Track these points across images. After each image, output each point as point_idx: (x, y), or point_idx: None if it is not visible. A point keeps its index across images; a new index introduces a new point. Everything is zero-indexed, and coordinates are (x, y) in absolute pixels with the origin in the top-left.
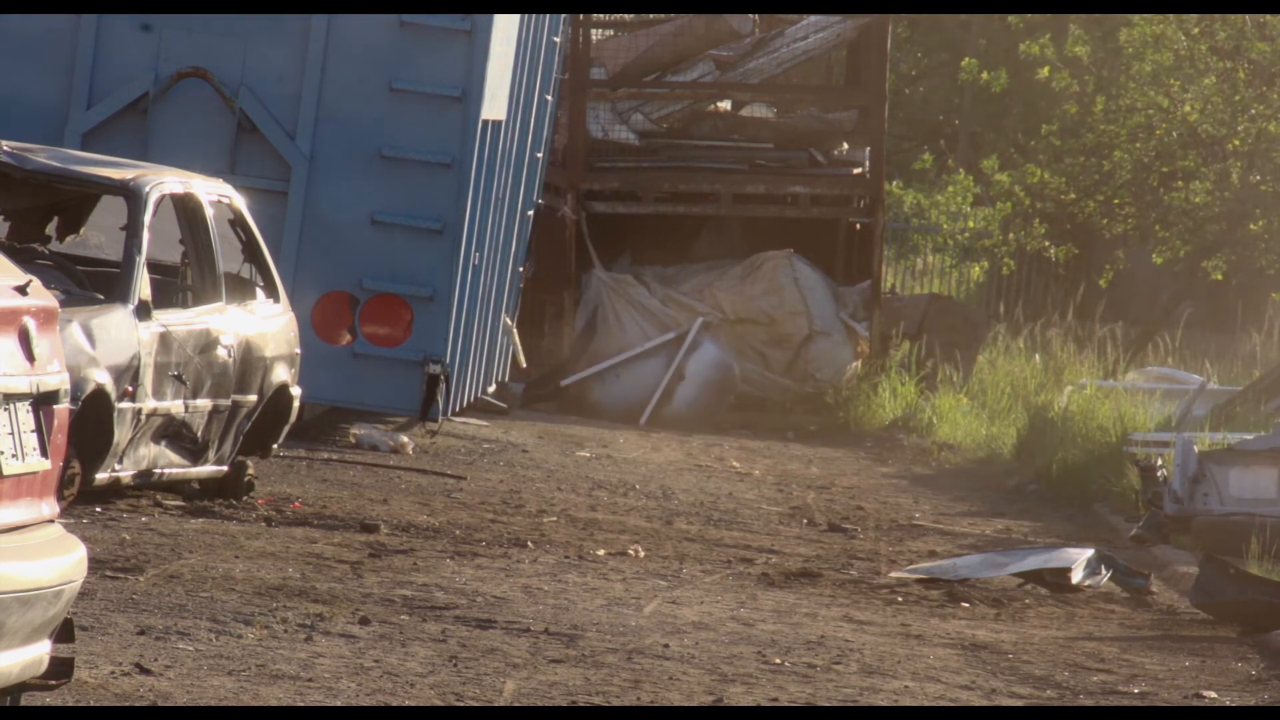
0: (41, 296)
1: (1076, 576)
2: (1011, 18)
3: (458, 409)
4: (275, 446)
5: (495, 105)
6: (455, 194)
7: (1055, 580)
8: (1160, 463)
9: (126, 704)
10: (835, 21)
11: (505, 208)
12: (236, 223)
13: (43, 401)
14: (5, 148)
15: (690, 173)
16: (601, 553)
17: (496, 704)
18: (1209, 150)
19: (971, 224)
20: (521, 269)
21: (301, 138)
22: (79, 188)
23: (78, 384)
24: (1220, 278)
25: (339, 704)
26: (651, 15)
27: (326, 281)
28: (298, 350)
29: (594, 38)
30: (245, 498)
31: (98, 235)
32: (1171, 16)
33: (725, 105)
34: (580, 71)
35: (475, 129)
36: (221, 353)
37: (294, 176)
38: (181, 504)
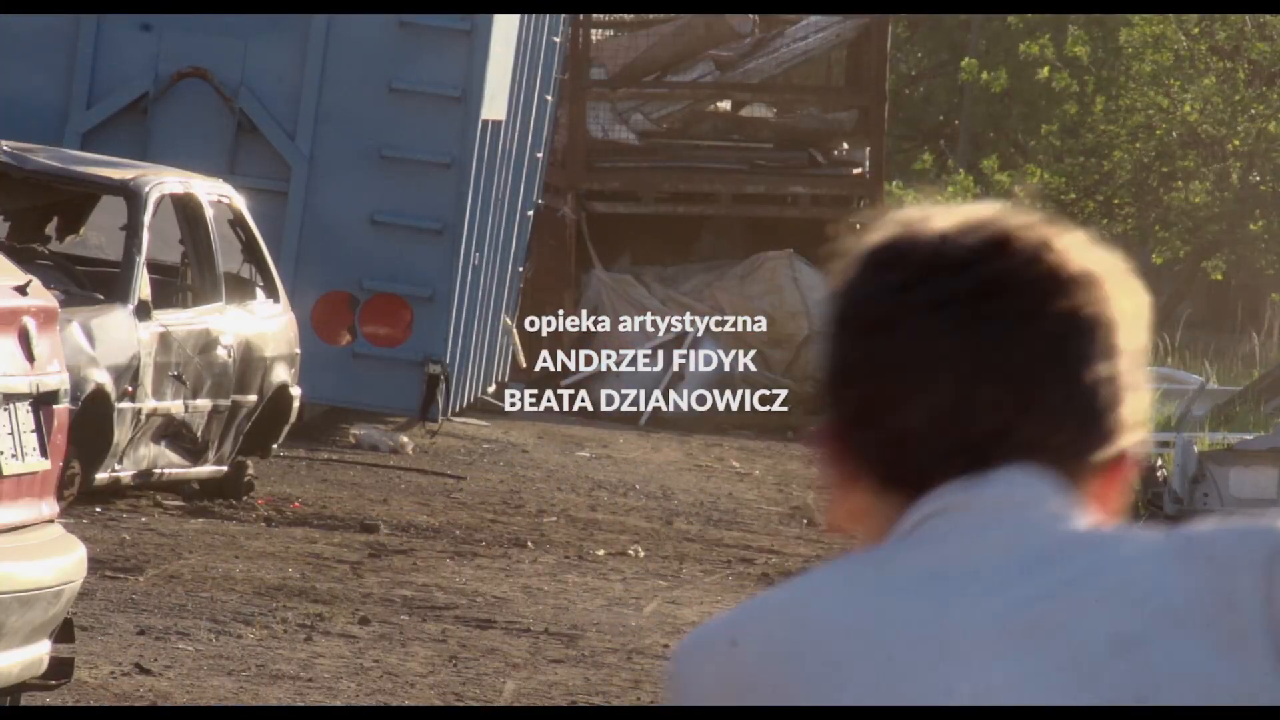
0: (41, 296)
1: None
2: (1011, 18)
3: (458, 409)
4: (275, 446)
5: (495, 105)
6: (455, 194)
7: None
8: (1160, 463)
9: (126, 704)
10: (835, 21)
11: (505, 208)
12: (236, 223)
13: (43, 401)
14: (5, 148)
15: (690, 173)
16: (601, 553)
17: (496, 704)
18: (1209, 150)
19: None
20: (521, 269)
21: (301, 138)
22: (79, 188)
23: (78, 384)
24: (1220, 278)
25: (339, 704)
26: (651, 15)
27: (326, 281)
28: (297, 350)
29: (594, 38)
30: (245, 498)
31: (98, 235)
32: (1171, 16)
33: (725, 105)
34: (580, 71)
35: (475, 129)
36: (221, 353)
37: (294, 176)
38: (181, 504)
